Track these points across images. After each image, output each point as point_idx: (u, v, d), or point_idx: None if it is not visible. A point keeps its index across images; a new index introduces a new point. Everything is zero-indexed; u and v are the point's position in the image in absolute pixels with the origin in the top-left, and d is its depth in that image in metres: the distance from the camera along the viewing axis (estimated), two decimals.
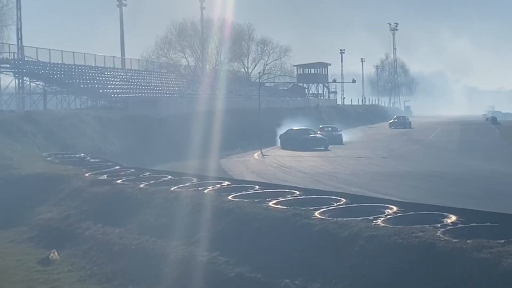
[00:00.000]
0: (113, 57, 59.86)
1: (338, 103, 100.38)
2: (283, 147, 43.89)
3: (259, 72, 70.77)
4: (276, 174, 28.14)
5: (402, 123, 76.70)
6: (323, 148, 42.46)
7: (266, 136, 46.18)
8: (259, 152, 39.85)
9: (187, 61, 77.89)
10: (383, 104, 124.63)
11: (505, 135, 55.15)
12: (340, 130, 52.06)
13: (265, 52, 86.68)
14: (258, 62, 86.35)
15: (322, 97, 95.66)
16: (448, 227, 9.40)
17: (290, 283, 9.40)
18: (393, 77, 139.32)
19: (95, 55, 56.31)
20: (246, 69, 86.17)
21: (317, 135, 45.10)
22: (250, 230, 11.29)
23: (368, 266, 8.92)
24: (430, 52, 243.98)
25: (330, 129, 51.30)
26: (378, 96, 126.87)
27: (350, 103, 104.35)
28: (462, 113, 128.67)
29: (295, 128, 46.25)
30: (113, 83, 52.99)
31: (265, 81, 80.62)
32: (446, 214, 10.18)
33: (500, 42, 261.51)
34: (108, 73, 55.64)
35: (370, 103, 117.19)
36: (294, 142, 43.22)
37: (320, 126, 53.64)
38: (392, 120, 79.73)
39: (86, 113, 39.13)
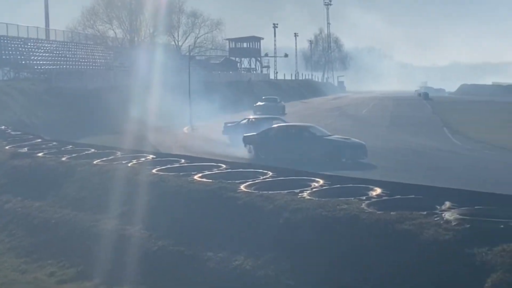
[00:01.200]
0: (37, 27, 57.70)
1: (271, 77, 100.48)
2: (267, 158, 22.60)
3: (189, 46, 69.50)
4: (204, 148, 27.85)
5: (272, 107, 47.49)
6: (350, 161, 22.06)
7: (196, 109, 45.54)
8: (189, 126, 39.39)
9: (115, 33, 75.92)
10: (316, 79, 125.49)
11: (436, 110, 56.37)
12: (281, 101, 53.03)
13: (196, 25, 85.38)
14: (188, 35, 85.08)
15: (254, 72, 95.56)
16: (373, 200, 9.45)
17: (214, 256, 9.28)
18: (326, 52, 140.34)
19: (17, 25, 54.18)
20: (176, 42, 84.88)
21: (353, 138, 23.80)
22: (175, 203, 11.08)
23: (292, 238, 8.87)
24: (364, 28, 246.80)
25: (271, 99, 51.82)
26: (311, 71, 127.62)
27: (283, 78, 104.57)
28: (396, 89, 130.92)
29: (283, 124, 26.85)
30: (37, 54, 51.43)
31: (196, 54, 79.58)
32: (371, 187, 10.23)
33: (435, 18, 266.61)
34: (32, 44, 53.76)
35: (304, 78, 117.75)
36: (288, 150, 22.85)
37: (263, 97, 52.66)
38: (257, 104, 50.12)
39: (8, 85, 37.90)
